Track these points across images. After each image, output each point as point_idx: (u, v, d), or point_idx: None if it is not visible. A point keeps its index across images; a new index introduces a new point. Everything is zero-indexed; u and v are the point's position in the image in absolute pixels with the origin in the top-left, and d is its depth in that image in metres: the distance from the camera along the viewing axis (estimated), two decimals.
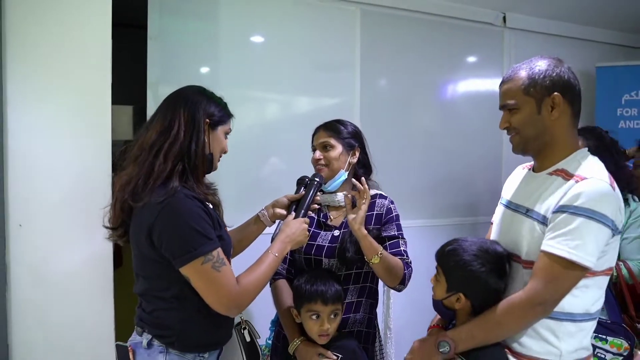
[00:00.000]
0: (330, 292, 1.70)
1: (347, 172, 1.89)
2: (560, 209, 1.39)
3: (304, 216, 1.72)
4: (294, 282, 1.81)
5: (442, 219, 3.21)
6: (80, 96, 1.94)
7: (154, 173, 1.40)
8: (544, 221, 1.43)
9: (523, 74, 1.50)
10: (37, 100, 1.89)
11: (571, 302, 1.42)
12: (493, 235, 1.71)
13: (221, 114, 1.57)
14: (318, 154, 1.90)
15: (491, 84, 3.34)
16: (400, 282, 1.80)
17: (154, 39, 2.47)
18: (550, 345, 1.44)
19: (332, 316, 1.71)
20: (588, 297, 1.44)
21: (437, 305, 1.59)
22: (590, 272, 1.40)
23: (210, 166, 1.54)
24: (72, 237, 1.93)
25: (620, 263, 2.22)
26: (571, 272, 1.37)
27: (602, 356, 1.97)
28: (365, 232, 1.70)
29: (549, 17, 3.48)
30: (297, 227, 1.66)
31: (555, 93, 1.46)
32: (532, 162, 1.67)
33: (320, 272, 1.79)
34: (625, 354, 1.98)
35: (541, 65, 1.49)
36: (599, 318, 1.89)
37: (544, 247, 1.40)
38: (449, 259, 1.52)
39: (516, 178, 1.72)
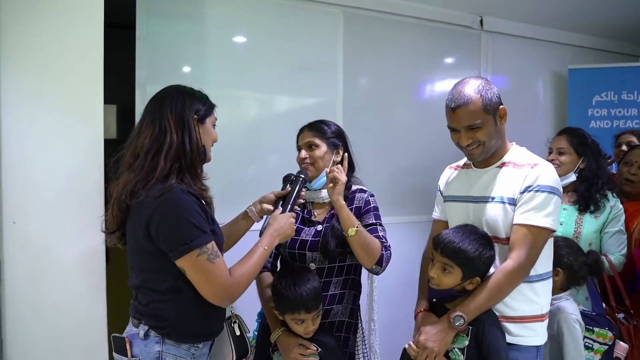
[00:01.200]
0: (311, 297, 1.75)
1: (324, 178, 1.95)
2: (526, 190, 1.71)
3: (290, 211, 1.78)
4: (273, 281, 1.87)
5: (421, 215, 3.29)
6: (72, 95, 1.97)
7: (155, 173, 1.46)
8: (513, 202, 1.73)
9: (476, 96, 1.74)
10: (31, 100, 1.91)
11: (540, 264, 1.74)
12: (452, 226, 1.87)
13: (205, 107, 1.63)
14: (304, 153, 1.97)
15: None
16: (377, 263, 1.83)
17: (142, 39, 2.50)
18: (535, 303, 1.75)
19: (315, 317, 1.79)
20: (545, 257, 1.78)
21: (441, 292, 1.73)
22: None
23: (204, 158, 1.62)
24: (65, 233, 1.96)
25: (602, 257, 2.34)
26: (543, 236, 1.71)
27: (590, 345, 2.10)
28: (344, 202, 1.81)
29: (524, 20, 3.59)
30: (284, 221, 1.72)
31: (502, 106, 1.78)
32: (462, 162, 2.00)
33: (297, 273, 1.83)
34: (610, 343, 2.11)
35: (483, 85, 1.76)
36: (584, 310, 2.09)
37: (518, 221, 1.70)
38: (461, 253, 1.66)
39: (456, 178, 1.99)
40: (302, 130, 2.04)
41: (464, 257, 1.66)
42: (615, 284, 2.33)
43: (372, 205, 1.96)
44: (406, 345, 1.75)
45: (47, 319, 1.94)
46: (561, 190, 1.77)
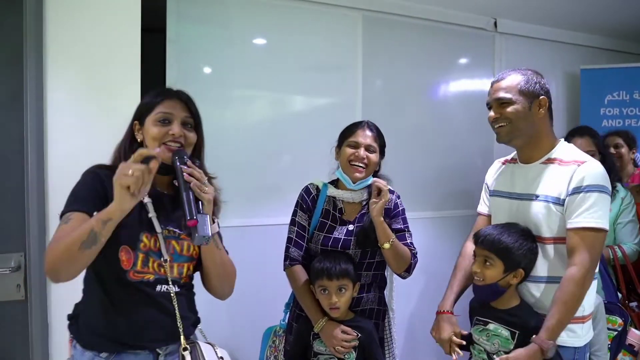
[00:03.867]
0: (335, 269, 1.87)
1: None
2: (575, 191, 1.69)
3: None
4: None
5: (435, 212, 3.39)
6: (112, 96, 2.09)
7: None
8: (558, 202, 1.72)
9: (518, 76, 1.79)
10: (74, 99, 2.04)
11: None
12: (495, 222, 1.91)
13: (145, 106, 1.54)
14: (363, 152, 1.97)
15: (483, 85, 3.50)
16: (406, 270, 1.99)
17: (172, 42, 2.62)
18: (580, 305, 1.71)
19: (339, 290, 1.88)
20: None
21: (484, 289, 1.74)
22: None
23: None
24: None
25: (615, 246, 2.42)
26: (601, 237, 1.70)
27: None
28: (382, 219, 1.89)
29: (537, 22, 3.64)
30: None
31: (543, 96, 1.78)
32: (510, 157, 1.98)
33: (331, 252, 1.97)
34: (619, 329, 2.19)
35: (531, 73, 1.78)
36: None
37: (574, 225, 1.68)
38: (500, 243, 1.70)
39: (503, 172, 1.97)
40: (360, 127, 2.01)
41: (503, 248, 1.68)
42: (627, 272, 2.42)
43: (400, 209, 2.07)
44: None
45: None
46: (609, 185, 1.74)
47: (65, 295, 1.99)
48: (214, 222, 1.47)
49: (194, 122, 1.57)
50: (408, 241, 2.03)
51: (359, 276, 2.00)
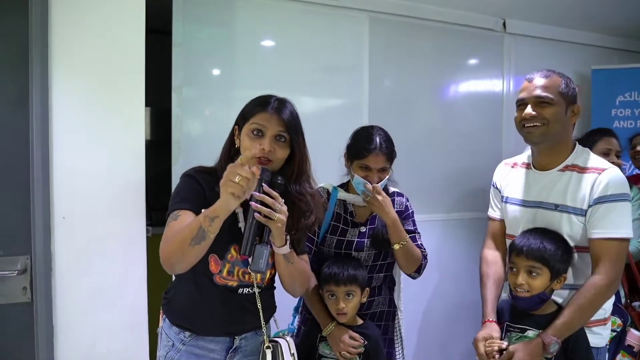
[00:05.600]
0: (343, 275, 1.86)
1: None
2: (598, 201, 1.67)
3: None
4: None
5: (446, 214, 3.37)
6: (116, 99, 2.10)
7: None
8: (581, 213, 1.70)
9: (559, 78, 1.75)
10: (78, 102, 2.04)
11: None
12: (515, 230, 1.85)
13: (244, 114, 1.61)
14: (376, 177, 1.91)
15: (492, 86, 3.50)
16: (416, 270, 2.01)
17: (178, 45, 2.61)
18: (600, 308, 1.72)
19: (346, 296, 1.87)
20: None
21: (529, 300, 1.69)
22: None
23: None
24: (110, 227, 2.09)
25: None
26: (625, 247, 1.70)
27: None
28: (396, 216, 1.89)
29: (547, 22, 3.61)
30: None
31: (577, 104, 1.77)
32: (520, 160, 1.91)
33: (341, 258, 1.96)
34: (618, 330, 2.16)
35: (567, 78, 1.77)
36: None
37: (599, 236, 1.67)
38: (545, 252, 1.67)
39: (516, 177, 1.90)
40: (373, 152, 1.91)
41: (550, 256, 1.66)
42: (631, 272, 2.39)
43: (410, 211, 2.09)
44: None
45: (95, 305, 2.07)
46: (630, 191, 1.74)
47: (71, 298, 2.03)
48: (285, 242, 1.51)
49: (289, 136, 1.56)
50: (419, 242, 2.05)
51: (371, 279, 2.01)
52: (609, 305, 1.76)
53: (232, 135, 1.63)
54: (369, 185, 1.88)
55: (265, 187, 1.43)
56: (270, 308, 1.73)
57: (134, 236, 2.13)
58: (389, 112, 3.15)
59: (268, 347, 1.59)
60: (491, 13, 3.42)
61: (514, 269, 1.72)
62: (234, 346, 1.61)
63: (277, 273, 1.66)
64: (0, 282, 1.98)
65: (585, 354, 1.69)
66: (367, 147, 1.92)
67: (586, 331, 1.72)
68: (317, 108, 3.07)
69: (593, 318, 1.72)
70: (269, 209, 1.41)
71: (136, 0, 2.11)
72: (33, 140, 1.99)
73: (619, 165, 2.35)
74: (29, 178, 1.99)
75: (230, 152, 1.61)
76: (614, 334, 2.16)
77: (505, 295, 1.90)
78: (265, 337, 1.61)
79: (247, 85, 2.82)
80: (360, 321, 1.96)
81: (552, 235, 1.72)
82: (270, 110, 1.54)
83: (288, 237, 1.54)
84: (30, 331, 2.01)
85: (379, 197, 1.87)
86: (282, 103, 1.58)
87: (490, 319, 1.79)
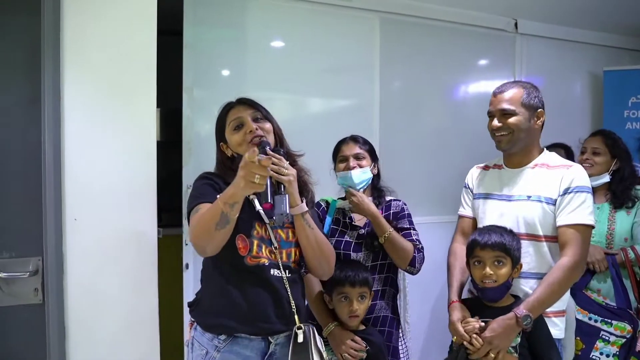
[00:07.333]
0: (358, 276, 1.90)
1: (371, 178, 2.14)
2: (566, 192, 1.86)
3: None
4: None
5: (454, 216, 3.32)
6: (128, 100, 2.09)
7: None
8: (552, 202, 1.88)
9: (520, 89, 1.94)
10: (90, 104, 2.03)
11: None
12: (486, 222, 2.00)
13: (219, 125, 1.81)
14: (353, 162, 2.12)
15: None
16: (410, 264, 2.03)
17: (189, 46, 2.61)
18: (560, 300, 1.88)
19: (360, 298, 1.90)
20: None
21: (496, 290, 1.82)
22: None
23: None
24: (121, 228, 2.08)
25: (629, 248, 2.37)
26: (589, 233, 1.88)
27: (607, 338, 2.14)
28: (375, 209, 2.02)
29: (558, 23, 3.59)
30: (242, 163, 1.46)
31: (540, 109, 1.96)
32: (491, 163, 2.15)
33: (349, 262, 2.01)
34: (628, 336, 2.14)
35: (530, 86, 1.97)
36: (607, 304, 2.15)
37: (566, 222, 1.85)
38: (506, 242, 1.82)
39: (488, 176, 2.11)
40: (344, 143, 2.19)
41: (510, 246, 1.81)
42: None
43: (406, 212, 2.16)
44: (453, 338, 1.84)
45: (105, 304, 2.06)
46: (591, 187, 1.92)
47: (82, 299, 2.03)
48: (302, 201, 1.65)
49: (261, 113, 1.76)
50: (414, 237, 2.11)
51: (372, 281, 2.02)
52: (566, 296, 1.91)
53: (221, 153, 1.78)
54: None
55: (270, 152, 1.60)
56: (301, 303, 1.73)
57: (146, 237, 2.12)
58: (399, 112, 3.15)
59: (299, 328, 1.64)
60: (503, 13, 3.41)
61: (480, 262, 1.84)
62: (269, 351, 1.64)
63: (302, 255, 1.73)
64: (11, 284, 1.98)
65: (546, 339, 1.80)
66: (340, 142, 2.21)
67: (548, 321, 1.84)
68: (328, 108, 3.07)
69: (552, 309, 1.85)
70: (277, 167, 1.56)
71: (148, 1, 2.11)
72: (45, 141, 1.99)
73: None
74: (40, 179, 1.99)
75: (225, 164, 1.76)
76: (623, 340, 2.14)
77: (467, 293, 2.08)
78: (296, 317, 1.65)
79: (258, 85, 2.81)
80: (363, 327, 1.97)
81: (505, 230, 1.87)
82: (234, 105, 1.77)
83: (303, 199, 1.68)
84: (42, 333, 2.00)
85: (354, 198, 2.03)
86: (240, 97, 1.80)
87: (455, 300, 1.94)
